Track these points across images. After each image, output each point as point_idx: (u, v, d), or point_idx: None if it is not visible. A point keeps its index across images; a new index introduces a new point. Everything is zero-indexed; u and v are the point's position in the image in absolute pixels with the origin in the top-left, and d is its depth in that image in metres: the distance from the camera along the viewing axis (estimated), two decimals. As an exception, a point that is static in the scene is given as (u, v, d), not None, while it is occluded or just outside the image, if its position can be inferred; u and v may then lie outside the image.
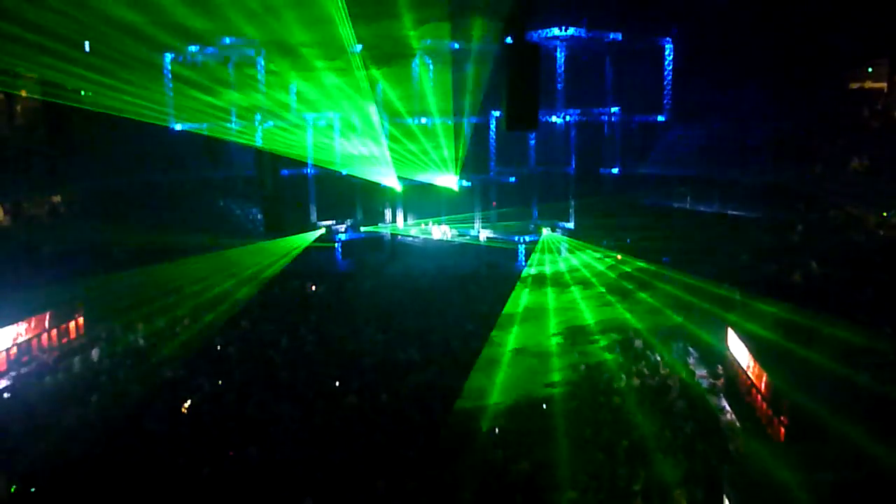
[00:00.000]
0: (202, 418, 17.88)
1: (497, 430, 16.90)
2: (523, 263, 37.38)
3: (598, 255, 36.13)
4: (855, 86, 38.10)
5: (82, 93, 32.50)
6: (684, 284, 29.20)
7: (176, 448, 16.11)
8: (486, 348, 23.79)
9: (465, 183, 39.40)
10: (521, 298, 30.73)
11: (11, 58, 28.93)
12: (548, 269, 35.59)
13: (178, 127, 38.74)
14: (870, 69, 37.65)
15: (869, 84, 37.82)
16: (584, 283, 32.70)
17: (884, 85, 36.96)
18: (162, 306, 27.59)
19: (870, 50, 36.62)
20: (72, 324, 25.44)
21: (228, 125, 38.47)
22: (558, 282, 33.65)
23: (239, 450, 15.96)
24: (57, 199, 36.54)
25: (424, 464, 15.26)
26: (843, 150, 33.86)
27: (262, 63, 37.70)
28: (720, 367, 21.43)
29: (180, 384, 20.17)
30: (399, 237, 40.72)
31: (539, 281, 33.79)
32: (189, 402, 18.78)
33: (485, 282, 33.55)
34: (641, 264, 33.26)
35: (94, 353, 22.80)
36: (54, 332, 24.51)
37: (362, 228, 40.50)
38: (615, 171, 39.89)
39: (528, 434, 16.79)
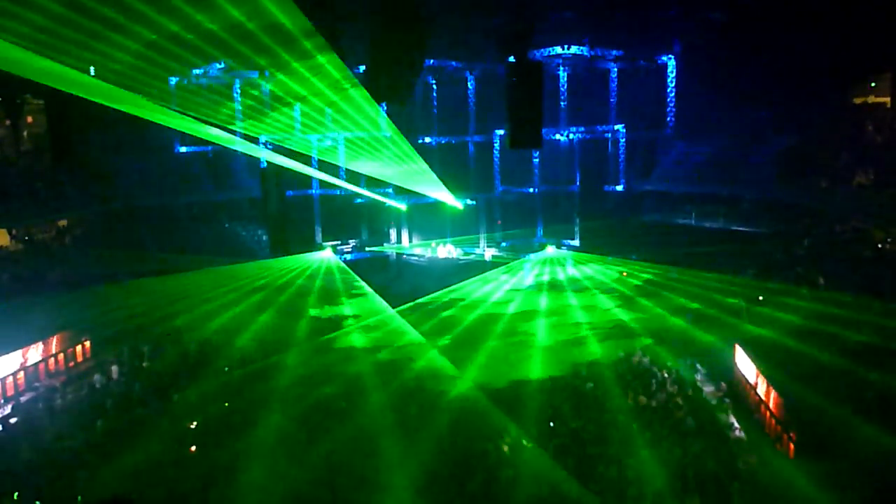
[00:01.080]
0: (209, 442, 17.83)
1: (507, 449, 16.75)
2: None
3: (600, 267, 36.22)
4: (858, 101, 38.15)
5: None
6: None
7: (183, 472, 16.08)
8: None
9: (469, 201, 39.47)
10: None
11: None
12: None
13: (183, 149, 39.01)
14: (872, 84, 37.70)
15: (872, 99, 37.86)
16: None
17: (887, 99, 37.01)
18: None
19: (872, 65, 36.71)
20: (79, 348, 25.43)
21: (233, 147, 38.71)
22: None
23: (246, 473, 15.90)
24: (63, 223, 36.72)
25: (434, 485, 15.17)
26: (848, 164, 33.84)
27: (267, 85, 37.94)
28: (726, 383, 21.31)
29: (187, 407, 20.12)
30: (404, 256, 40.75)
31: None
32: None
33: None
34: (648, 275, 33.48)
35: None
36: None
37: (367, 248, 40.55)
38: (619, 188, 39.89)
39: (538, 452, 16.67)
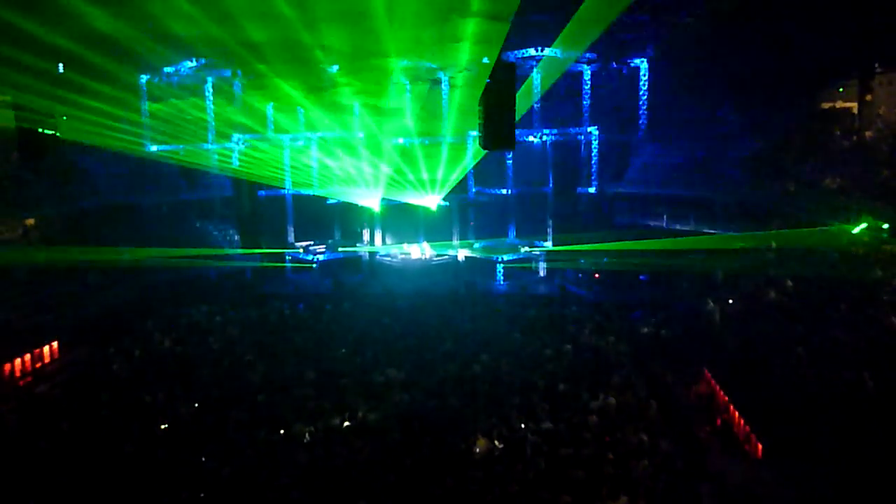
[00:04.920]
0: (179, 441, 17.67)
1: (478, 450, 16.81)
2: (502, 282, 37.64)
3: None
4: (826, 106, 38.68)
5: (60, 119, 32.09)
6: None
7: (153, 470, 15.92)
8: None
9: (443, 203, 39.49)
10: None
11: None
12: None
13: (154, 149, 38.62)
14: (840, 89, 38.27)
15: (840, 104, 38.41)
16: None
17: (854, 105, 37.58)
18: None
19: (840, 70, 37.27)
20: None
21: (205, 146, 38.42)
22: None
23: (214, 470, 15.77)
24: (30, 221, 36.13)
25: (405, 485, 15.16)
26: (815, 168, 34.35)
27: (239, 83, 37.70)
28: (697, 383, 21.57)
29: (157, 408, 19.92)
30: (377, 257, 40.67)
31: None
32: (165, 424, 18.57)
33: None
34: None
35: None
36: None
37: (340, 249, 40.40)
38: (592, 190, 40.11)
39: (511, 452, 16.73)
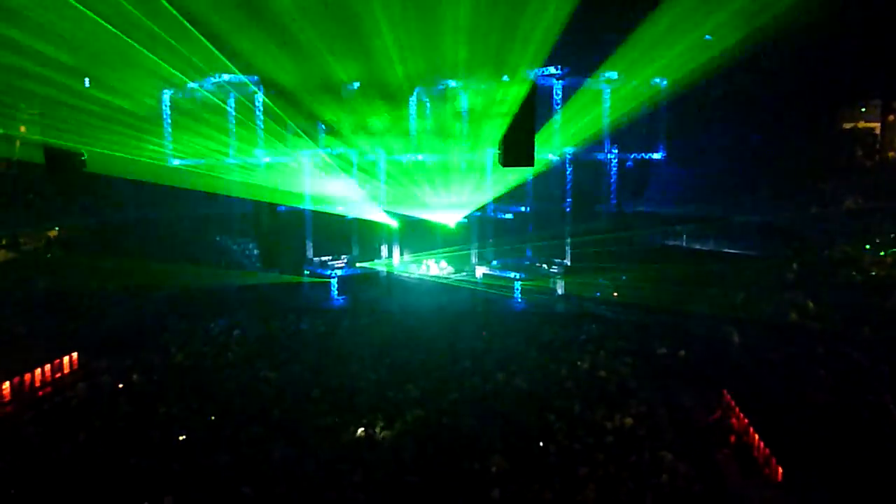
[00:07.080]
0: (195, 456, 17.69)
1: (494, 469, 16.71)
2: (519, 300, 37.46)
3: None
4: (848, 126, 38.41)
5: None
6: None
7: (168, 485, 15.94)
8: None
9: (461, 219, 39.47)
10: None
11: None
12: None
13: (176, 163, 38.89)
14: (863, 109, 38.01)
15: (862, 124, 38.14)
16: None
17: (876, 125, 37.30)
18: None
19: (862, 90, 37.03)
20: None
21: (227, 161, 38.61)
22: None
23: (233, 488, 15.76)
24: (53, 233, 36.57)
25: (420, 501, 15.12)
26: (837, 188, 34.07)
27: (261, 99, 37.92)
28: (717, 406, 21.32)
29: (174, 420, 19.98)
30: (394, 273, 40.63)
31: None
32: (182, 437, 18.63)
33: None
34: None
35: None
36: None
37: (358, 265, 40.44)
38: (611, 208, 39.90)
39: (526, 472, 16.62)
